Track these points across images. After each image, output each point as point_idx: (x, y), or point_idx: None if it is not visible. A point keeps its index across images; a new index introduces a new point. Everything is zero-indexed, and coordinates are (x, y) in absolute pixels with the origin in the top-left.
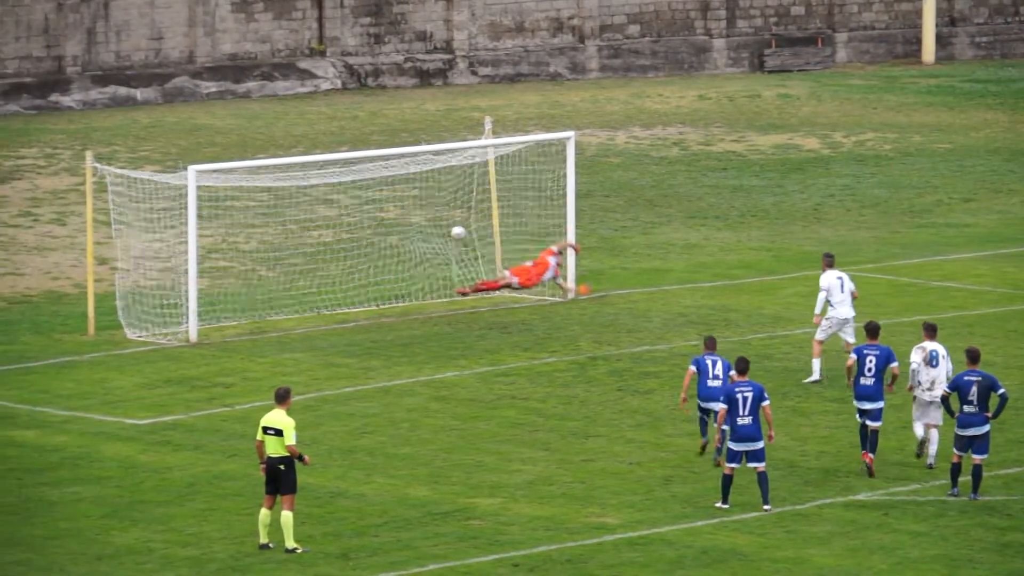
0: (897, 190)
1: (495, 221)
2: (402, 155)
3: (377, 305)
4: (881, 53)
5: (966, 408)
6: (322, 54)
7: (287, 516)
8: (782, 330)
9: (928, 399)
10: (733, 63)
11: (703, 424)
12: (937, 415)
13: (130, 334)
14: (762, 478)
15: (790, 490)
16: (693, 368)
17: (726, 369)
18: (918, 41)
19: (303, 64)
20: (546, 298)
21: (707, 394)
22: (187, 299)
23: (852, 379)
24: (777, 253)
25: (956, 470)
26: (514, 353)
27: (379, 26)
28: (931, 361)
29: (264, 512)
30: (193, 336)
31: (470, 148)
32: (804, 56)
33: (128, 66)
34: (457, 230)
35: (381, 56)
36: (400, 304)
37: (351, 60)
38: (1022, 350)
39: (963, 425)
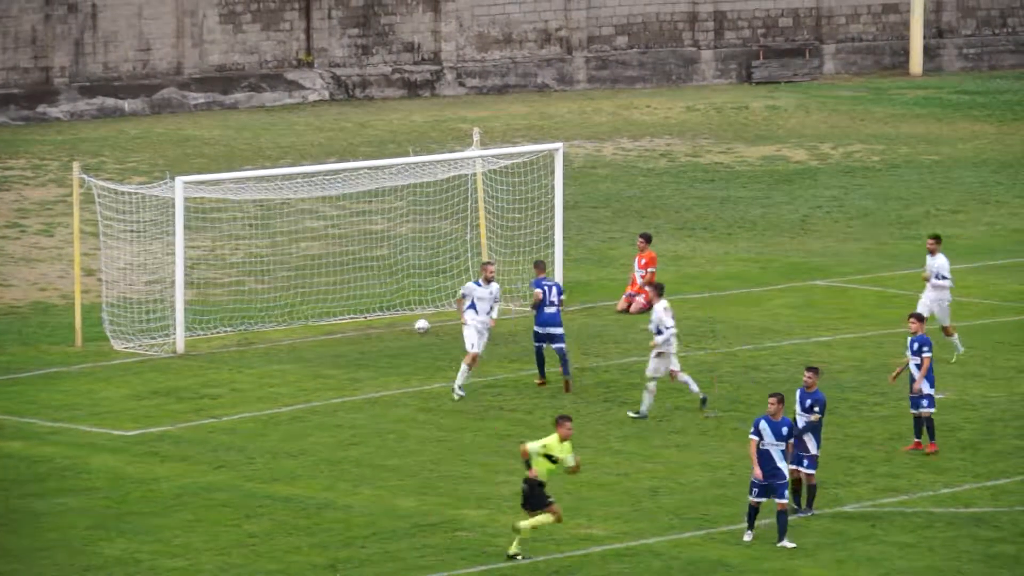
0: (885, 201)
1: (483, 232)
2: (390, 166)
3: (365, 316)
4: (869, 64)
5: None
6: (310, 65)
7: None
8: (769, 341)
9: (671, 351)
10: (721, 74)
11: (539, 357)
12: (675, 361)
13: (117, 345)
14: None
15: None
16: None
17: (559, 293)
18: (906, 53)
19: (291, 75)
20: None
21: (544, 320)
22: (174, 310)
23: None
24: (764, 264)
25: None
26: (501, 364)
27: (367, 37)
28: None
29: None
30: (180, 347)
31: (458, 159)
32: (792, 67)
33: (116, 77)
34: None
35: (369, 67)
36: (388, 315)
37: (339, 71)
38: (1009, 362)
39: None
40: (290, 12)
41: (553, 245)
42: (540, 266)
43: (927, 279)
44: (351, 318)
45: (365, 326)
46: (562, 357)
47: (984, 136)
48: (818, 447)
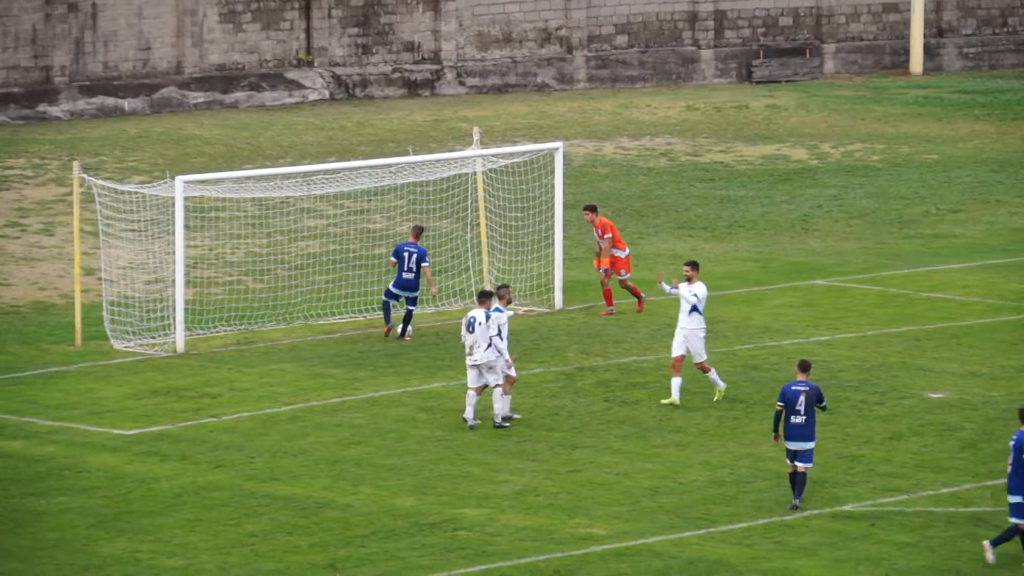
0: (885, 201)
1: (483, 231)
2: (390, 166)
3: (364, 316)
4: (869, 64)
5: (793, 419)
6: (310, 64)
7: None
8: (770, 341)
9: (470, 363)
10: (721, 74)
11: (386, 309)
12: (491, 376)
13: (117, 345)
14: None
15: (777, 501)
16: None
17: (419, 260)
18: (906, 52)
19: (291, 74)
20: (533, 308)
21: (401, 284)
22: (174, 309)
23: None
24: (765, 264)
25: (794, 479)
26: None
27: (367, 36)
28: (469, 327)
29: None
30: (180, 347)
31: (458, 159)
32: (792, 67)
33: (116, 76)
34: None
35: (369, 66)
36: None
37: (339, 70)
38: (1010, 361)
39: (789, 437)
40: (290, 11)
41: (553, 245)
42: (416, 231)
43: (695, 306)
44: (351, 317)
45: (365, 325)
46: (409, 314)
47: (984, 135)
48: (786, 439)
